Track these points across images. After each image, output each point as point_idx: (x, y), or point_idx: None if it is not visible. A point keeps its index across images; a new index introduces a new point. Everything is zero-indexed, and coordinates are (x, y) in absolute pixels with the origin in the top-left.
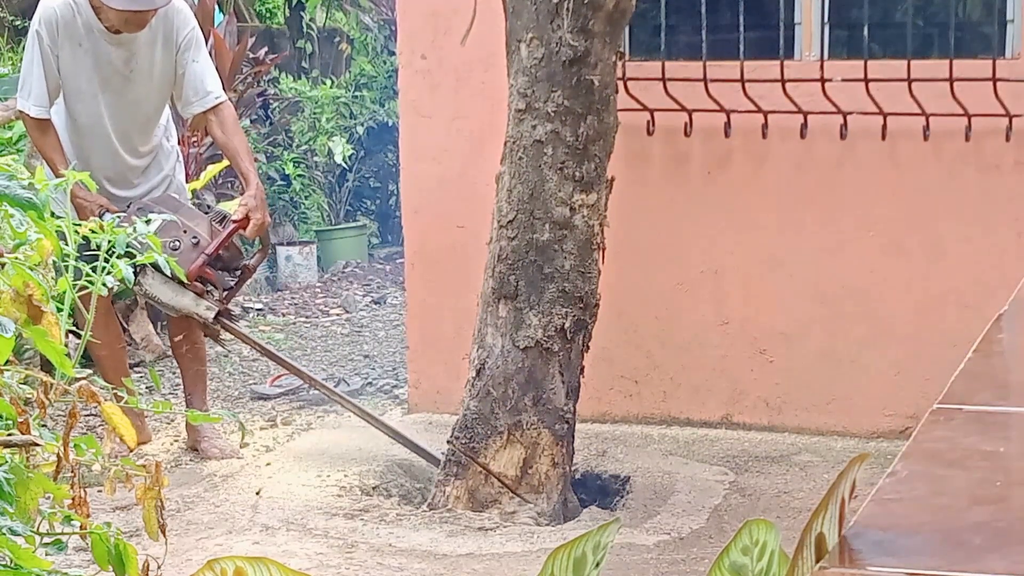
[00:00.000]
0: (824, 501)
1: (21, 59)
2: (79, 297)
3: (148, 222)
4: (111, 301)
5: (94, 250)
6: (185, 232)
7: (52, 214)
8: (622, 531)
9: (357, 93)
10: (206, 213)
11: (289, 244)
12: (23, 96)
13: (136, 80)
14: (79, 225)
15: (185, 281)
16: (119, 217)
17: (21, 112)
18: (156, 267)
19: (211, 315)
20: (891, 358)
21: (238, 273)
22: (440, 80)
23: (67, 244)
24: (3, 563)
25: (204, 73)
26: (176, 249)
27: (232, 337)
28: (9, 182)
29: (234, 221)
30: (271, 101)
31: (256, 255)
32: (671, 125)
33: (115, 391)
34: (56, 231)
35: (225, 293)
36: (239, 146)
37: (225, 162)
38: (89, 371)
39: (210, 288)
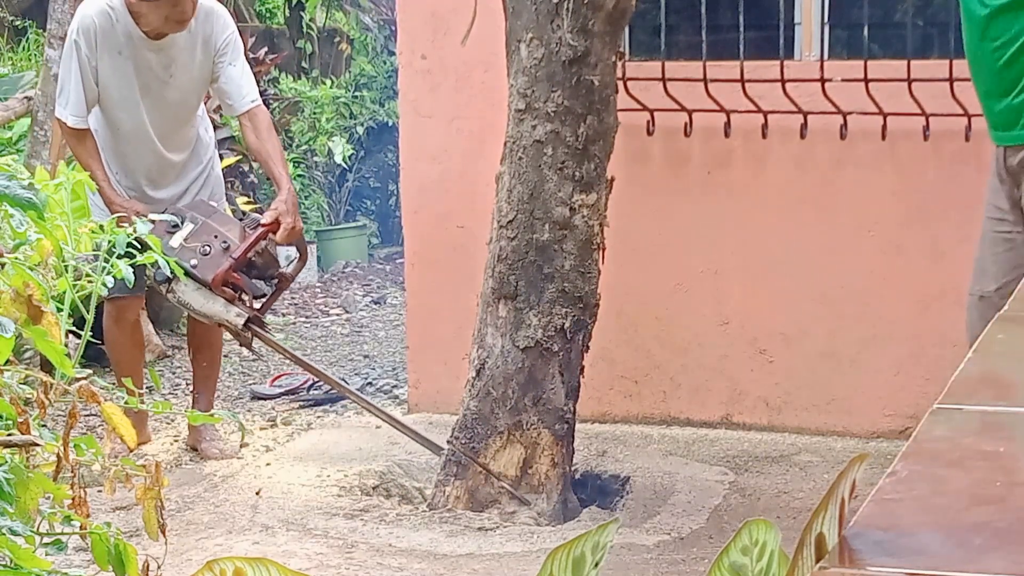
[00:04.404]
0: (824, 501)
1: (21, 59)
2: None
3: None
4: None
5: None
6: (216, 237)
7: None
8: (622, 531)
9: (357, 93)
10: (241, 219)
11: (289, 244)
12: (61, 104)
13: (176, 84)
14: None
15: (183, 279)
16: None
17: (59, 120)
18: (187, 273)
19: (241, 322)
20: (891, 358)
21: (274, 282)
22: (440, 80)
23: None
24: (3, 563)
25: (242, 77)
26: (207, 254)
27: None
28: (9, 182)
29: (263, 224)
30: (271, 101)
31: (294, 264)
32: (671, 125)
33: (115, 391)
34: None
35: (261, 301)
36: (272, 151)
37: (225, 162)
38: (89, 371)
39: (242, 295)
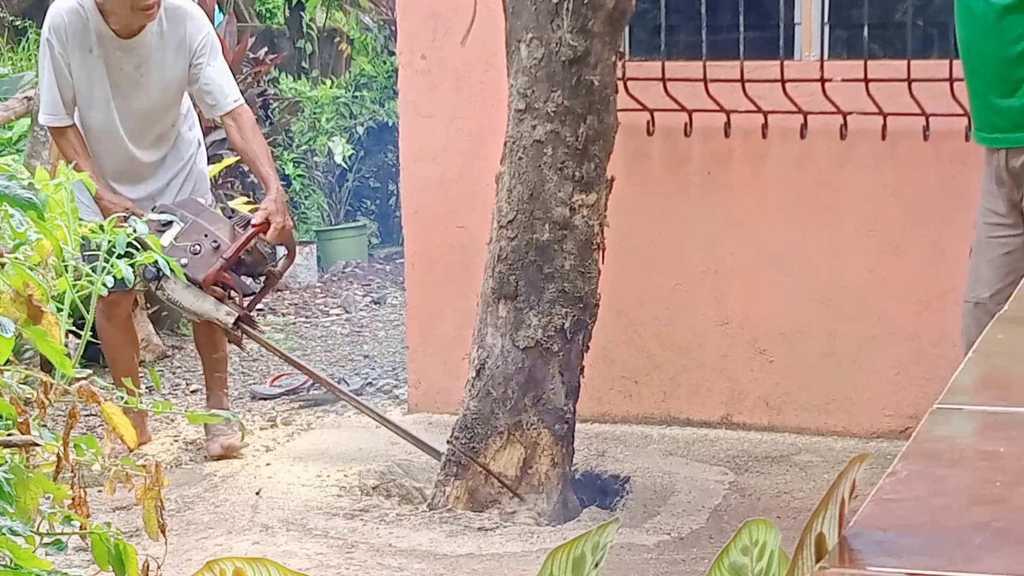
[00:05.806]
0: (824, 501)
1: (21, 59)
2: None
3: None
4: (132, 307)
5: (94, 250)
6: (206, 236)
7: (79, 219)
8: (622, 531)
9: (357, 93)
10: (230, 218)
11: (279, 243)
12: (42, 102)
13: (148, 85)
14: (80, 224)
15: (180, 276)
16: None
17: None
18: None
19: (231, 320)
20: (891, 358)
21: (263, 279)
22: (440, 80)
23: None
24: (3, 563)
25: (221, 77)
26: (197, 253)
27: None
28: (9, 182)
29: (254, 225)
30: (271, 101)
31: (282, 261)
32: (671, 125)
33: (115, 391)
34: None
35: (249, 299)
36: (258, 150)
37: (224, 162)
38: (89, 371)
39: (231, 293)
